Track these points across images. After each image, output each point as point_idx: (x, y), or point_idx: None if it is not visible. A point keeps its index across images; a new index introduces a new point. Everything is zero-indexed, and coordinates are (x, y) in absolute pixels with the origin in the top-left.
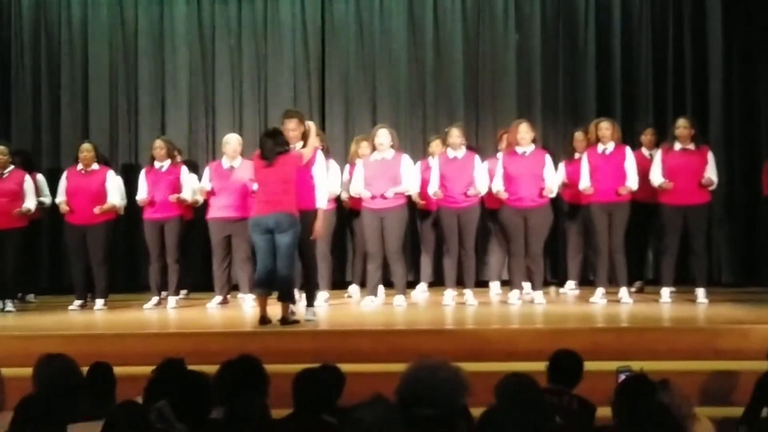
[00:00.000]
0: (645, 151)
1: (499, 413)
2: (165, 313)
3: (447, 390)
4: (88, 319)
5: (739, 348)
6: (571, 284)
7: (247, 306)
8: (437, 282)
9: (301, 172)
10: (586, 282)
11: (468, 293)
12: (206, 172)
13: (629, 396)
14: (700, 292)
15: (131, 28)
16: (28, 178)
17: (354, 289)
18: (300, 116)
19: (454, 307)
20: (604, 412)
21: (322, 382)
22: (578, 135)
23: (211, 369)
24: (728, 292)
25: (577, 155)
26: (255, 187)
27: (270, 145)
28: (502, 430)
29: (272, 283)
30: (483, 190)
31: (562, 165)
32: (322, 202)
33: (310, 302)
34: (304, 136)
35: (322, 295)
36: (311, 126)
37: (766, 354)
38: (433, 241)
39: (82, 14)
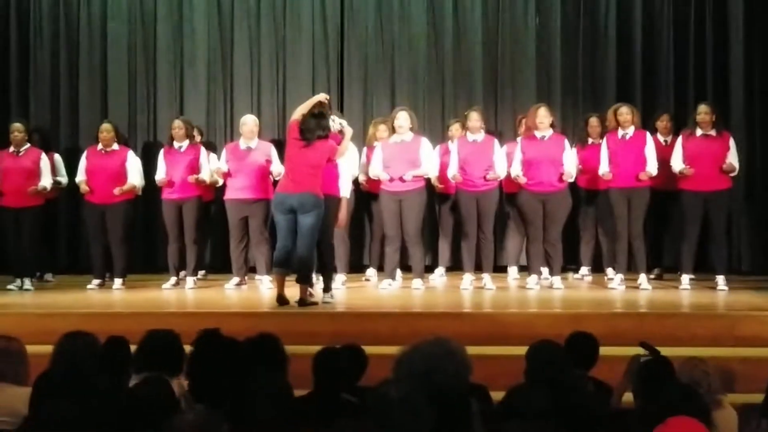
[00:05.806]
0: (660, 137)
1: (528, 380)
2: (183, 293)
3: (453, 366)
4: (106, 298)
5: (759, 335)
6: (584, 270)
7: (264, 287)
8: (455, 266)
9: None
10: (599, 269)
11: (486, 277)
12: (223, 153)
13: (650, 378)
14: (720, 280)
15: (150, 9)
16: (44, 156)
17: (372, 272)
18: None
19: (472, 291)
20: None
21: (343, 360)
22: (593, 120)
23: None
24: (749, 279)
25: (591, 140)
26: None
27: (313, 126)
28: (529, 401)
29: (291, 264)
30: (502, 174)
31: (575, 150)
32: (347, 191)
33: (327, 287)
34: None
35: (339, 278)
36: (347, 130)
37: None
38: (452, 225)
39: None
